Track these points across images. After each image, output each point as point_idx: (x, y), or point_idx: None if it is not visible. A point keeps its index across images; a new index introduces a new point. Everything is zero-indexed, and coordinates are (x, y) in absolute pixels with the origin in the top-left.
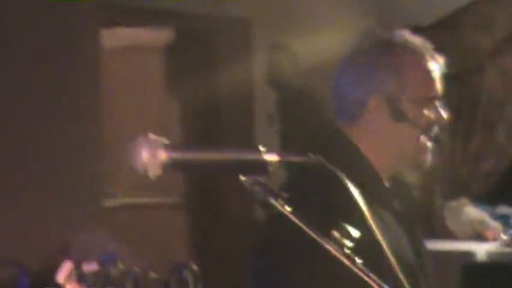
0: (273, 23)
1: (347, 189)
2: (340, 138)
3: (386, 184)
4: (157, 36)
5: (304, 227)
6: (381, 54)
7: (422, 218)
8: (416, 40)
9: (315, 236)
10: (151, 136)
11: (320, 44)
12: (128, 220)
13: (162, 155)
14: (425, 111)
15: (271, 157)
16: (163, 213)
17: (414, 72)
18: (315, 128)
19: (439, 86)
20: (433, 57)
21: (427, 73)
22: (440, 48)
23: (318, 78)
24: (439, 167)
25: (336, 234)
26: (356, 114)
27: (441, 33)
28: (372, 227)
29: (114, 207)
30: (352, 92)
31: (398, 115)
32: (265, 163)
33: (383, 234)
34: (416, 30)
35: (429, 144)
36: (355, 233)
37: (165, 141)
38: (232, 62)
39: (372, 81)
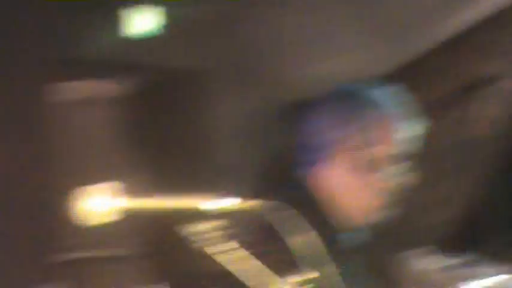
0: (230, 74)
1: (306, 234)
2: (298, 187)
3: (344, 235)
4: (112, 88)
5: None
6: (348, 108)
7: (380, 269)
8: (385, 96)
9: None
10: (102, 184)
11: None
12: (83, 274)
13: (113, 202)
14: (389, 166)
15: (225, 203)
16: (119, 266)
17: (379, 129)
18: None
19: (403, 141)
20: (399, 112)
21: (391, 130)
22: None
23: None
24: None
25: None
26: (318, 163)
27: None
28: (331, 271)
29: (68, 261)
30: (317, 141)
31: (361, 168)
32: (204, 211)
33: (341, 280)
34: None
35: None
36: (313, 275)
37: (115, 188)
38: (190, 112)
39: (337, 132)
